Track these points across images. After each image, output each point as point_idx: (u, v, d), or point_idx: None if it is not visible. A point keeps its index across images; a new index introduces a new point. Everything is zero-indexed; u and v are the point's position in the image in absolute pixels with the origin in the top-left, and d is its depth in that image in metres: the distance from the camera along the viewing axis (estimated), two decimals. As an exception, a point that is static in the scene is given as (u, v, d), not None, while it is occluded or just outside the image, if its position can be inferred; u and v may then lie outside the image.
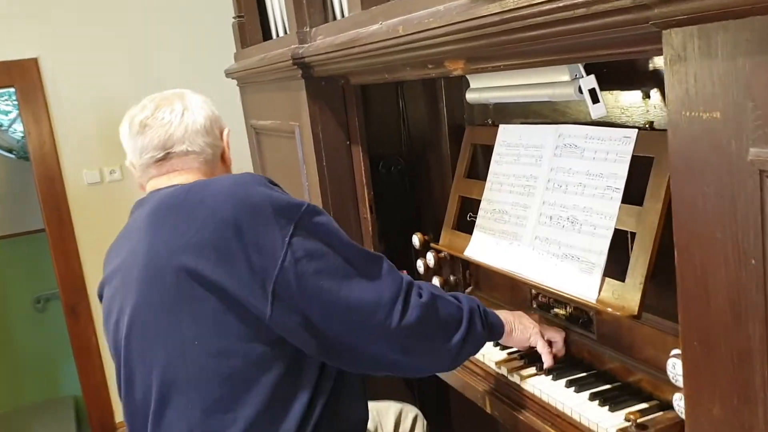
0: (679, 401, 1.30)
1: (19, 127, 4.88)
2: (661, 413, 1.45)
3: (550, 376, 1.71)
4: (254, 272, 1.32)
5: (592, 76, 1.51)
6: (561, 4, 1.06)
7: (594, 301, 1.54)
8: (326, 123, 2.34)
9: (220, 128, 1.65)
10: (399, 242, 2.47)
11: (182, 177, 1.57)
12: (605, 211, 1.55)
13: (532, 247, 1.75)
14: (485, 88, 1.86)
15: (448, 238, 2.14)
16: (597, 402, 1.53)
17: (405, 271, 1.52)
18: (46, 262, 4.07)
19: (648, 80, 1.50)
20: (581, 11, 1.04)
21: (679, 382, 1.25)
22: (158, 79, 3.87)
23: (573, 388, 1.63)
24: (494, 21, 1.23)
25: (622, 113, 1.59)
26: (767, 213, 0.83)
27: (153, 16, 3.96)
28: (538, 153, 1.79)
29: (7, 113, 5.18)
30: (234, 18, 3.06)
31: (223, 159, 1.67)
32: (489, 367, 1.85)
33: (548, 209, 1.72)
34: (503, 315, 1.69)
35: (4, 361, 4.92)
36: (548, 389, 1.66)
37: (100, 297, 1.63)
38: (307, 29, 2.25)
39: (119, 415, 4.02)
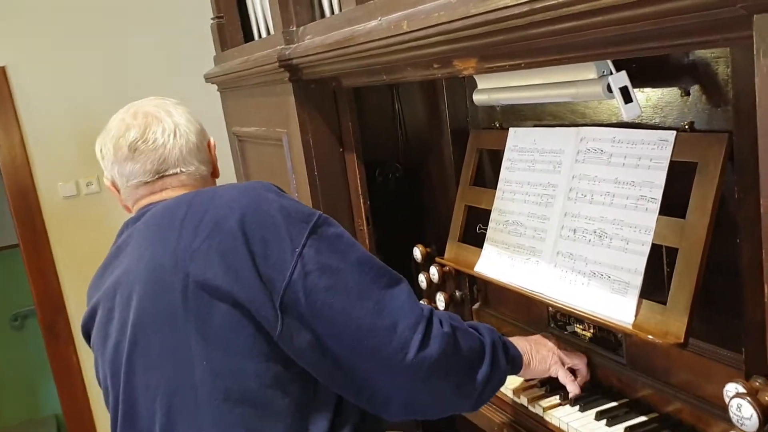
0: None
1: (-13, 140, 4.66)
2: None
3: (577, 407, 1.55)
4: (263, 284, 1.21)
5: (623, 73, 1.34)
6: (611, -12, 0.88)
7: (630, 326, 1.37)
8: (317, 129, 2.15)
9: (208, 141, 1.53)
10: (398, 255, 2.28)
11: (176, 192, 1.43)
12: (639, 224, 1.38)
13: (553, 264, 1.57)
14: (496, 88, 1.68)
15: (454, 251, 1.96)
16: (636, 438, 1.36)
17: (426, 301, 1.35)
18: (23, 277, 3.90)
19: (685, 75, 1.33)
20: (635, -5, 0.86)
21: (747, 426, 1.08)
22: (135, 86, 3.71)
23: (604, 421, 1.48)
24: (522, 12, 1.05)
25: (655, 113, 1.42)
26: None
27: (127, 20, 3.77)
28: (557, 159, 1.62)
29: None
30: (213, 19, 2.86)
31: (214, 172, 1.55)
32: (505, 395, 1.68)
33: (571, 221, 1.55)
34: (520, 344, 1.53)
35: (-18, 381, 4.79)
36: (577, 422, 1.50)
37: (87, 335, 1.47)
38: (294, 28, 2.07)
39: (103, 434, 3.85)
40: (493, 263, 1.77)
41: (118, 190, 1.47)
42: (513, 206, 1.74)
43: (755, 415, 1.09)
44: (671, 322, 1.30)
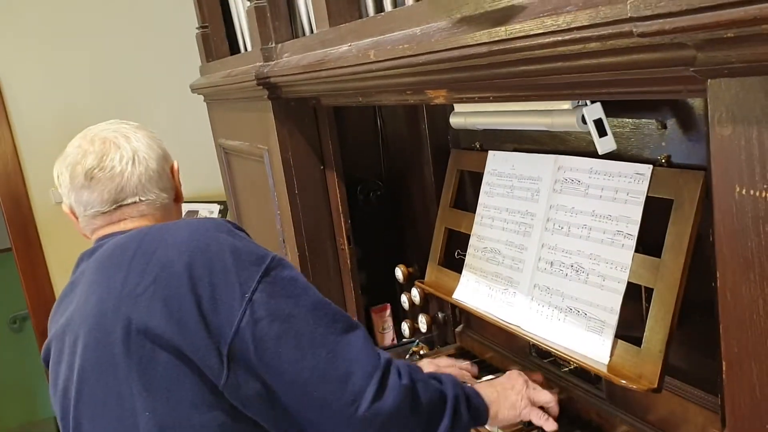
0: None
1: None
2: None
3: (555, 443, 1.50)
4: (209, 331, 1.15)
5: (598, 105, 1.28)
6: (568, 37, 0.83)
7: (605, 367, 1.32)
8: (297, 147, 2.11)
9: (171, 165, 1.46)
10: (381, 275, 2.25)
11: (135, 224, 1.37)
12: (616, 261, 1.33)
13: (530, 297, 1.53)
14: (471, 112, 1.63)
15: (434, 275, 1.92)
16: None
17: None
18: (19, 280, 3.86)
19: (662, 106, 1.28)
20: (594, 46, 0.81)
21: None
22: (126, 93, 3.69)
23: (582, 459, 1.43)
24: (481, 53, 1.00)
25: (631, 145, 1.37)
26: None
27: (118, 27, 3.73)
28: (535, 186, 1.57)
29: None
30: (197, 28, 2.81)
31: (177, 198, 1.48)
32: (483, 427, 1.63)
33: (548, 253, 1.50)
34: (486, 392, 1.46)
35: (-20, 384, 4.79)
36: (554, 460, 1.45)
37: (46, 362, 1.42)
38: (273, 45, 2.02)
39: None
40: (471, 291, 1.73)
41: (77, 218, 1.42)
42: (491, 233, 1.69)
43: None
44: (646, 365, 1.25)
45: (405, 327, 2.16)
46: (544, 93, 1.09)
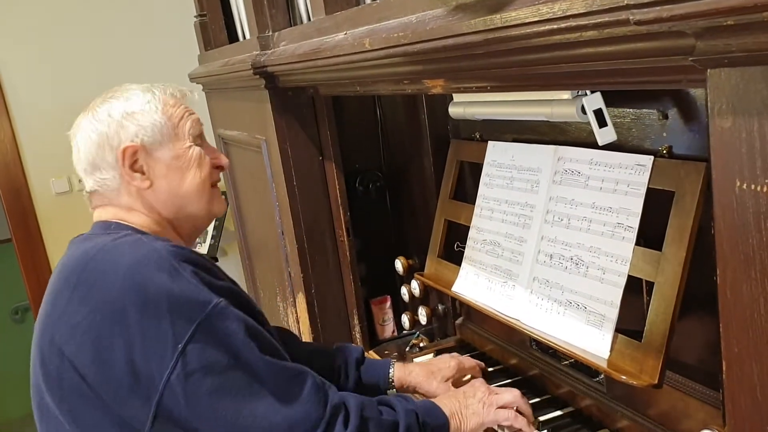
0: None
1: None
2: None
3: (553, 438, 1.48)
4: (137, 379, 1.11)
5: (598, 94, 1.25)
6: (564, 25, 0.80)
7: (605, 362, 1.29)
8: (295, 137, 2.08)
9: (116, 150, 1.30)
10: (381, 267, 2.22)
11: (104, 213, 1.35)
12: (616, 253, 1.31)
13: (530, 290, 1.50)
14: (470, 102, 1.60)
15: (433, 267, 1.89)
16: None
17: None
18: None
19: (664, 96, 1.24)
20: (591, 34, 0.78)
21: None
22: (125, 80, 3.62)
23: (582, 455, 1.41)
24: (477, 41, 0.97)
25: (632, 135, 1.34)
26: None
27: (117, 14, 3.72)
28: (534, 178, 1.54)
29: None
30: (196, 17, 2.78)
31: (135, 183, 1.32)
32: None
33: (548, 246, 1.47)
34: (446, 404, 1.41)
35: (-16, 375, 4.77)
36: (553, 456, 1.43)
37: None
38: (270, 33, 1.99)
39: None
40: (470, 284, 1.70)
41: None
42: (491, 225, 1.66)
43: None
44: (646, 361, 1.23)
45: (405, 319, 2.14)
46: (542, 83, 1.07)
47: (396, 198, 2.22)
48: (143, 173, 1.32)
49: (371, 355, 2.09)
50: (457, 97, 1.66)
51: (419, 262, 2.08)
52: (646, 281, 1.29)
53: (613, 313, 1.29)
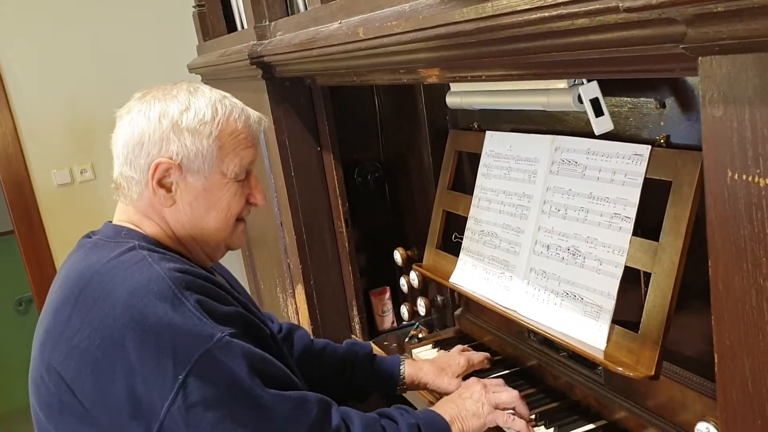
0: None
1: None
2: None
3: (552, 429, 1.47)
4: (137, 406, 1.09)
5: (595, 83, 1.24)
6: (555, 13, 0.79)
7: (601, 354, 1.29)
8: (293, 128, 2.07)
9: (156, 164, 1.22)
10: (380, 257, 2.21)
11: (121, 213, 1.31)
12: (613, 244, 1.29)
13: (527, 281, 1.49)
14: (467, 92, 1.59)
15: (432, 258, 1.88)
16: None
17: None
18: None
19: (661, 85, 1.23)
20: (582, 22, 0.77)
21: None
22: (125, 72, 3.65)
23: (579, 447, 1.40)
24: (469, 30, 0.96)
25: (629, 125, 1.32)
26: None
27: (117, 5, 3.68)
28: (532, 168, 1.53)
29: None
30: (194, 7, 2.77)
31: (158, 197, 1.26)
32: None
33: (545, 236, 1.46)
34: (445, 410, 1.40)
35: (-11, 366, 4.76)
36: (551, 448, 1.43)
37: None
38: (266, 23, 1.98)
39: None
40: (468, 275, 1.69)
41: None
42: (488, 215, 1.65)
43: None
44: (643, 352, 1.22)
45: (404, 310, 2.13)
46: (536, 72, 1.05)
47: (394, 189, 2.21)
48: (169, 191, 1.25)
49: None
50: (454, 87, 1.64)
51: (418, 253, 2.07)
52: (643, 272, 1.28)
53: (610, 304, 1.28)
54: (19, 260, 4.23)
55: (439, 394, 1.60)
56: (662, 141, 1.24)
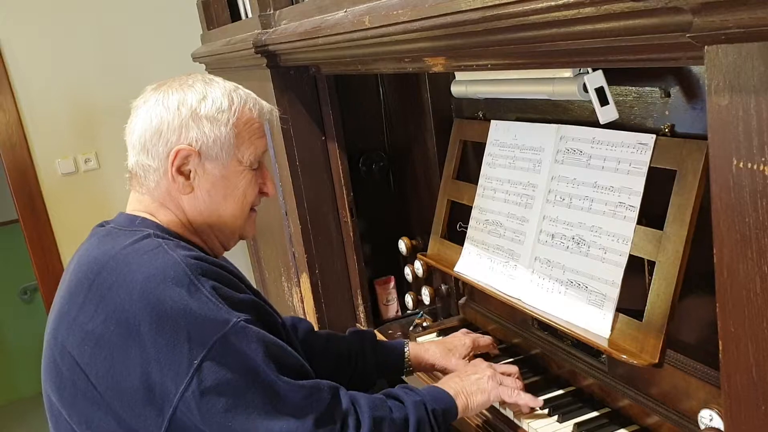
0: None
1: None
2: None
3: (556, 417, 1.48)
4: (151, 391, 1.10)
5: (600, 72, 1.24)
6: (561, 2, 0.79)
7: (606, 342, 1.29)
8: (297, 117, 2.07)
9: (171, 147, 1.24)
10: (384, 246, 2.22)
11: (136, 202, 1.32)
12: (617, 233, 1.30)
13: (531, 270, 1.50)
14: (473, 81, 1.59)
15: (436, 248, 1.89)
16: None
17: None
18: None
19: (666, 74, 1.23)
20: (588, 11, 0.77)
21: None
22: (130, 60, 3.65)
23: (583, 433, 1.41)
24: (475, 18, 0.96)
25: (634, 114, 1.32)
26: None
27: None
28: (537, 157, 1.53)
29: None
30: (198, -4, 2.77)
31: (177, 185, 1.27)
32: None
33: (549, 226, 1.47)
34: (450, 385, 1.41)
35: (-5, 354, 4.76)
36: (554, 435, 1.44)
37: None
38: (271, 11, 1.97)
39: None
40: (472, 264, 1.70)
41: None
42: (493, 205, 1.65)
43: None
44: (647, 340, 1.23)
45: (408, 299, 2.14)
46: (542, 60, 1.06)
47: (399, 178, 2.21)
48: (188, 178, 1.27)
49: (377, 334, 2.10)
50: (459, 76, 1.64)
51: (423, 242, 2.08)
52: (648, 260, 1.28)
53: (614, 293, 1.29)
54: (23, 249, 4.25)
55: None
56: (667, 130, 1.24)
